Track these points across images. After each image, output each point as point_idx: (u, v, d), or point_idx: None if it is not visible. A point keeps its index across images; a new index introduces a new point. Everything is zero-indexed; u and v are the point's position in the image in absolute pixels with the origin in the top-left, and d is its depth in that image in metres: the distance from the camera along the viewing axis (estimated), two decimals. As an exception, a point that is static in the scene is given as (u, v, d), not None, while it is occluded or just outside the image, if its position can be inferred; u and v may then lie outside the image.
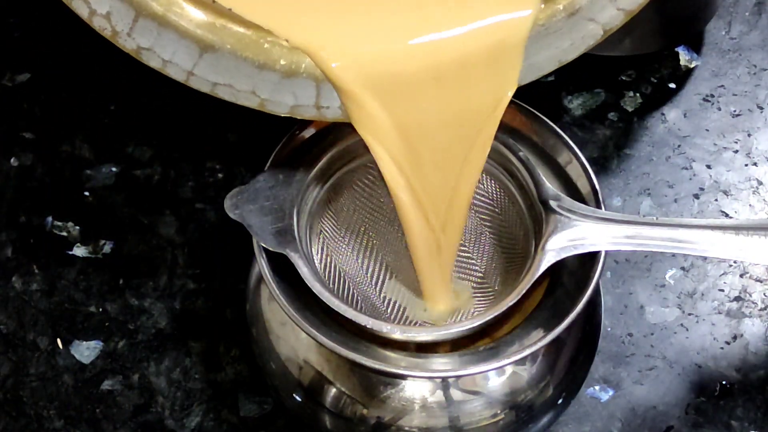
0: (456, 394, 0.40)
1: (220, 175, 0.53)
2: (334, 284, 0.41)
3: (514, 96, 0.39)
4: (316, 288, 0.38)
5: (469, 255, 0.44)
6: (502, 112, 0.39)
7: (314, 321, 0.37)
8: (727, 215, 0.52)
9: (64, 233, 0.52)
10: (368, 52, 0.37)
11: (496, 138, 0.39)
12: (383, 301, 0.43)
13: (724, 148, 0.54)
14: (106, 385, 0.47)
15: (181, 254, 0.51)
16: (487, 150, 0.39)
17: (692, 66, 0.58)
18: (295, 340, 0.41)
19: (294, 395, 0.41)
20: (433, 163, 0.39)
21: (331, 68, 0.36)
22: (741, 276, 0.50)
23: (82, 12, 0.34)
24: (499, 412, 0.40)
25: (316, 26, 0.37)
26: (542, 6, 0.37)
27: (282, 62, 0.36)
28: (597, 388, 0.46)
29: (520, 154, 0.41)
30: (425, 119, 0.38)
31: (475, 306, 0.42)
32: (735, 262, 0.50)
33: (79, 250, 0.51)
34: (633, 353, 0.47)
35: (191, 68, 0.36)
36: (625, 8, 0.38)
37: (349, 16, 0.37)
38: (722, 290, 0.49)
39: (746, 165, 0.54)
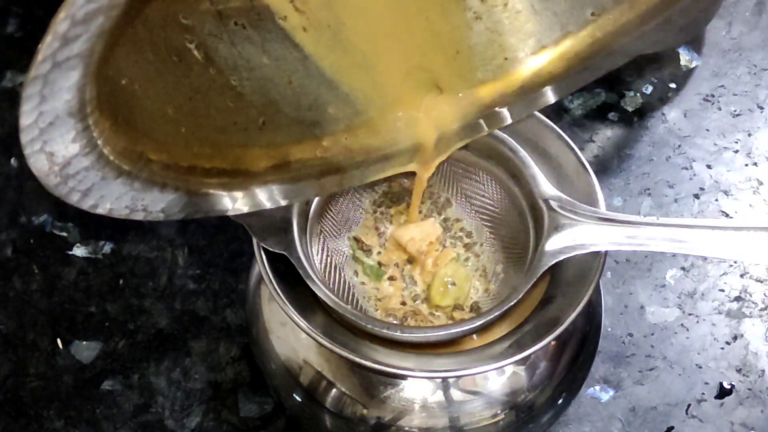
0: (456, 394, 0.40)
1: (220, 175, 0.53)
2: (334, 284, 0.41)
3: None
4: (316, 288, 0.38)
5: (469, 255, 0.44)
6: None
7: (314, 321, 0.37)
8: (727, 215, 0.52)
9: (64, 233, 0.52)
10: None
11: (496, 138, 0.39)
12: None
13: (725, 148, 0.54)
14: (106, 385, 0.47)
15: (181, 254, 0.51)
16: None
17: (692, 66, 0.58)
18: (295, 340, 0.41)
19: (294, 395, 0.41)
20: None
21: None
22: (741, 276, 0.50)
23: (138, 216, 0.36)
24: (499, 412, 0.40)
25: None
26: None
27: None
28: (597, 388, 0.46)
29: (520, 154, 0.41)
30: None
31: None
32: (735, 262, 0.50)
33: (79, 250, 0.51)
34: (633, 353, 0.47)
35: (231, 207, 0.39)
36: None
37: None
38: (722, 290, 0.49)
39: (746, 165, 0.54)
